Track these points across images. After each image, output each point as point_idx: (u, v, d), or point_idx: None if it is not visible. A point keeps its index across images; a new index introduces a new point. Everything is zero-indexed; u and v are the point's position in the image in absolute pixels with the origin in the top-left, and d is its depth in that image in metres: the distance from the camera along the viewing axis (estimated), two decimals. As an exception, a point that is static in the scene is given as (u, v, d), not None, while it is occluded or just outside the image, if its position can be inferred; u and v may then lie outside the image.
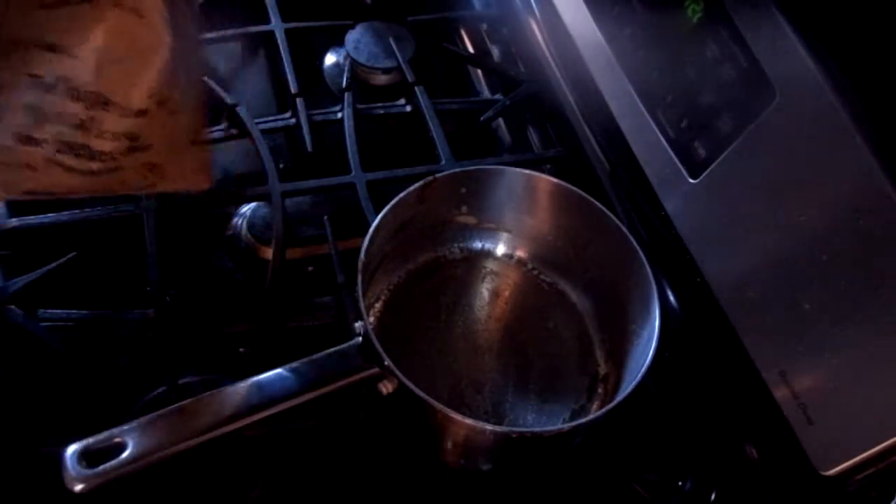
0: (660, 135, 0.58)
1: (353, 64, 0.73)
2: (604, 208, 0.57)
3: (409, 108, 0.72)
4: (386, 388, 0.48)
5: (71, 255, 0.58)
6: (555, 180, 0.58)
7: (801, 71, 0.48)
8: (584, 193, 0.58)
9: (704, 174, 0.55)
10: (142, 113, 0.44)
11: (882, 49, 0.46)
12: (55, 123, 0.42)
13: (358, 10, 0.77)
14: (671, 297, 0.59)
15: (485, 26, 0.83)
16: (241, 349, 0.54)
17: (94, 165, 0.44)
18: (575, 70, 0.68)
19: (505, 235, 0.62)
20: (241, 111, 0.67)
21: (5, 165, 0.44)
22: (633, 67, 0.61)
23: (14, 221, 0.58)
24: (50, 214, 0.59)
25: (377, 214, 0.54)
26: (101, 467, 0.40)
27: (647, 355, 0.49)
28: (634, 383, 0.48)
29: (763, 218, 0.51)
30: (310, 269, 0.63)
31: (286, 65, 0.70)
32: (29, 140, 0.42)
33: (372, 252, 0.53)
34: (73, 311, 0.56)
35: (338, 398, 0.48)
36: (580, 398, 0.56)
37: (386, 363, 0.47)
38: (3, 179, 0.45)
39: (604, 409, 0.49)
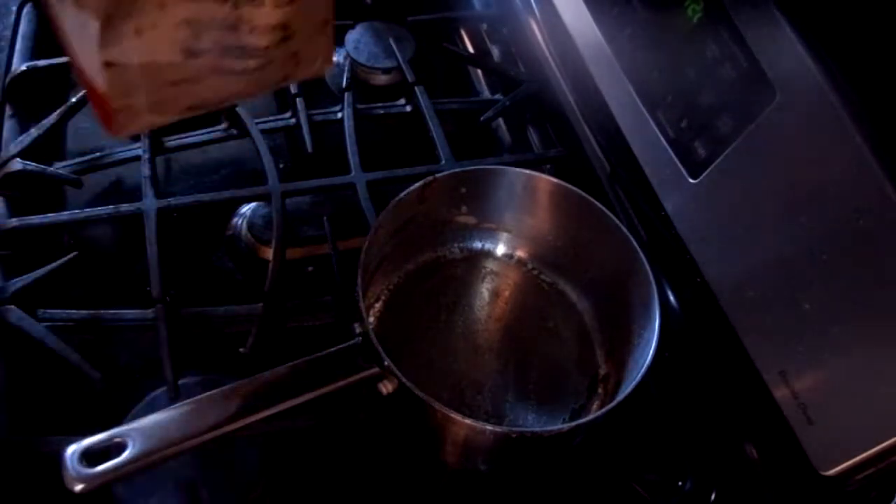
0: (660, 135, 0.58)
1: (353, 64, 0.73)
2: (604, 208, 0.57)
3: (409, 108, 0.72)
4: (386, 388, 0.48)
5: (71, 255, 0.58)
6: (555, 180, 0.58)
7: (801, 71, 0.48)
8: (584, 193, 0.58)
9: (704, 174, 0.55)
10: (291, 1, 0.45)
11: (882, 49, 0.46)
12: (212, 30, 0.44)
13: (358, 10, 0.77)
14: (671, 297, 0.59)
15: (485, 26, 0.83)
16: (241, 349, 0.54)
17: (252, 63, 0.46)
18: (575, 70, 0.68)
19: (505, 235, 0.62)
20: (241, 111, 0.67)
21: (171, 84, 0.45)
22: (633, 67, 0.61)
23: (14, 221, 0.58)
24: (50, 214, 0.59)
25: (377, 214, 0.54)
26: (101, 467, 0.40)
27: (647, 355, 0.49)
28: (634, 383, 0.48)
29: (763, 218, 0.51)
30: (310, 269, 0.63)
31: (286, 65, 0.70)
32: (193, 52, 0.44)
33: (372, 252, 0.53)
34: (73, 311, 0.56)
35: (338, 398, 0.48)
36: (580, 398, 0.56)
37: (386, 363, 0.47)
38: (167, 99, 0.46)
39: (604, 409, 0.49)
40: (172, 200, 0.60)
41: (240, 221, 0.64)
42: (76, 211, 0.60)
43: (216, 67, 0.46)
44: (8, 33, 0.71)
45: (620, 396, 0.48)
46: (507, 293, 0.61)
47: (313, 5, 0.48)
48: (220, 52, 0.45)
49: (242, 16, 0.44)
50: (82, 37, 0.42)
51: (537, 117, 0.75)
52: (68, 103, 0.65)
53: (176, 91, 0.47)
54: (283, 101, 0.73)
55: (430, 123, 0.68)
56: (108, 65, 0.43)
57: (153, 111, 0.47)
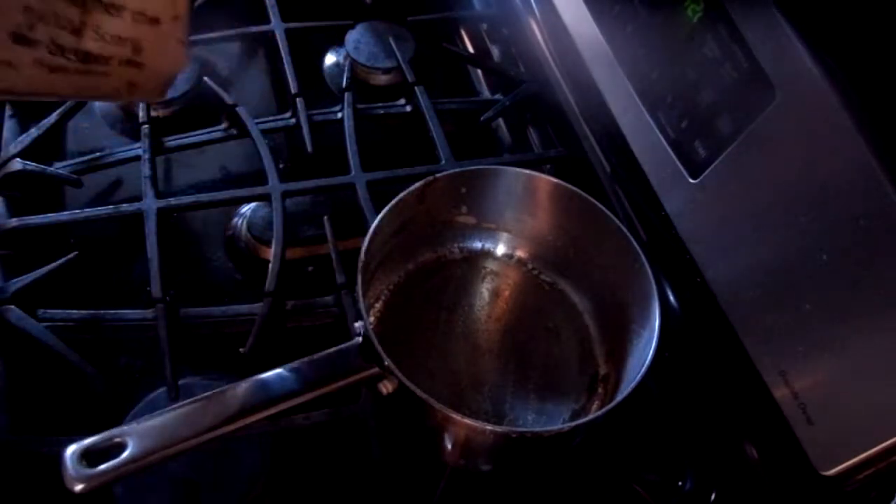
0: (660, 135, 0.58)
1: (353, 64, 0.73)
2: (604, 208, 0.57)
3: (409, 108, 0.72)
4: (386, 388, 0.48)
5: (72, 255, 0.58)
6: (555, 180, 0.58)
7: (801, 71, 0.48)
8: (584, 193, 0.58)
9: (704, 174, 0.55)
10: (154, 22, 0.44)
11: (882, 49, 0.46)
12: (51, 26, 0.42)
13: (358, 10, 0.77)
14: (671, 297, 0.59)
15: (485, 26, 0.83)
16: (240, 349, 0.54)
17: (84, 67, 0.44)
18: (575, 70, 0.68)
19: (505, 235, 0.62)
20: (241, 111, 0.67)
21: None
22: (633, 67, 0.61)
23: (14, 221, 0.58)
24: (50, 214, 0.59)
25: (377, 214, 0.54)
26: (101, 467, 0.40)
27: (647, 355, 0.49)
28: (634, 383, 0.48)
29: (763, 218, 0.51)
30: (310, 269, 0.63)
31: (286, 65, 0.70)
32: (22, 39, 0.42)
33: (372, 252, 0.53)
34: (73, 311, 0.56)
35: (338, 398, 0.48)
36: (580, 398, 0.56)
37: (386, 363, 0.47)
38: None
39: (604, 409, 0.49)
40: (172, 200, 0.60)
41: (240, 221, 0.64)
42: (76, 211, 0.60)
43: (40, 61, 0.43)
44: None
45: (620, 396, 0.48)
46: (507, 293, 0.61)
47: (168, 51, 0.47)
48: (51, 49, 0.43)
49: (90, 22, 0.42)
50: None
51: (537, 117, 0.75)
52: (68, 103, 0.65)
53: None
54: (283, 101, 0.73)
55: (430, 123, 0.68)
56: None
57: None
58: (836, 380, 0.47)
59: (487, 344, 0.58)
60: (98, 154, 0.65)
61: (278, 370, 0.46)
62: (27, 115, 0.66)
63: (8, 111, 0.66)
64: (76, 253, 0.58)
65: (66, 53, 0.43)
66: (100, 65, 0.44)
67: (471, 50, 0.82)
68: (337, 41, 0.75)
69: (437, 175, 0.57)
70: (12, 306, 0.54)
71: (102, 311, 0.56)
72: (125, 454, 0.41)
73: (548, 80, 0.73)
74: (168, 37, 0.46)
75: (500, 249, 0.63)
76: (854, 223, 0.45)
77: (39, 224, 0.59)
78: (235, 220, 0.65)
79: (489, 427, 0.48)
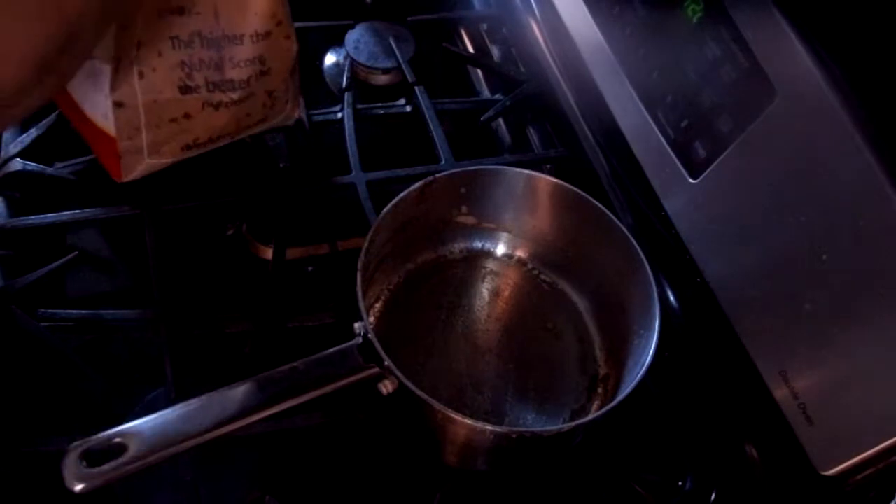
0: (660, 135, 0.58)
1: (353, 64, 0.73)
2: (604, 208, 0.57)
3: (409, 108, 0.72)
4: (386, 388, 0.48)
5: (71, 255, 0.58)
6: (555, 180, 0.58)
7: (801, 71, 0.48)
8: (584, 193, 0.58)
9: (704, 174, 0.55)
10: (266, 35, 0.54)
11: (882, 49, 0.46)
12: (201, 70, 0.53)
13: (358, 10, 0.77)
14: (671, 297, 0.59)
15: (485, 26, 0.83)
16: (243, 349, 0.54)
17: (236, 95, 0.55)
18: (575, 70, 0.68)
19: (505, 235, 0.62)
20: (242, 111, 0.67)
21: (170, 121, 0.54)
22: (633, 67, 0.61)
23: (14, 221, 0.58)
24: (50, 214, 0.59)
25: (377, 214, 0.54)
26: (102, 467, 0.40)
27: (647, 355, 0.49)
28: (634, 383, 0.48)
29: (763, 218, 0.51)
30: (310, 269, 0.63)
31: (286, 65, 0.70)
32: (187, 89, 0.53)
33: (372, 252, 0.53)
34: (73, 311, 0.56)
35: (338, 398, 0.48)
36: (580, 398, 0.56)
37: (386, 363, 0.47)
38: (166, 138, 0.54)
39: (604, 409, 0.49)
40: (172, 201, 0.60)
41: (240, 221, 0.64)
42: (76, 211, 0.59)
43: (207, 101, 0.54)
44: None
45: (620, 396, 0.48)
46: (507, 293, 0.61)
47: (283, 48, 0.57)
48: (209, 87, 0.54)
49: (225, 56, 0.53)
50: (92, 85, 0.51)
51: (537, 117, 0.75)
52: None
53: (174, 128, 0.54)
54: (283, 101, 0.73)
55: (430, 123, 0.68)
56: (117, 104, 0.51)
57: (153, 152, 0.55)
58: (836, 380, 0.47)
59: (487, 344, 0.58)
60: (98, 154, 0.65)
61: (278, 370, 0.46)
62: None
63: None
64: (76, 253, 0.58)
65: (220, 88, 0.54)
66: (244, 87, 0.55)
67: (471, 50, 0.82)
68: (337, 41, 0.75)
69: (437, 175, 0.57)
70: (12, 306, 0.54)
71: (103, 312, 0.56)
72: (125, 454, 0.41)
73: (548, 80, 0.73)
74: (278, 40, 0.56)
75: (500, 249, 0.63)
76: (854, 223, 0.45)
77: (39, 224, 0.59)
78: (235, 220, 0.65)
79: (489, 427, 0.48)
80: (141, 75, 0.51)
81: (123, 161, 0.54)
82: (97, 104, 0.52)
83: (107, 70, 0.50)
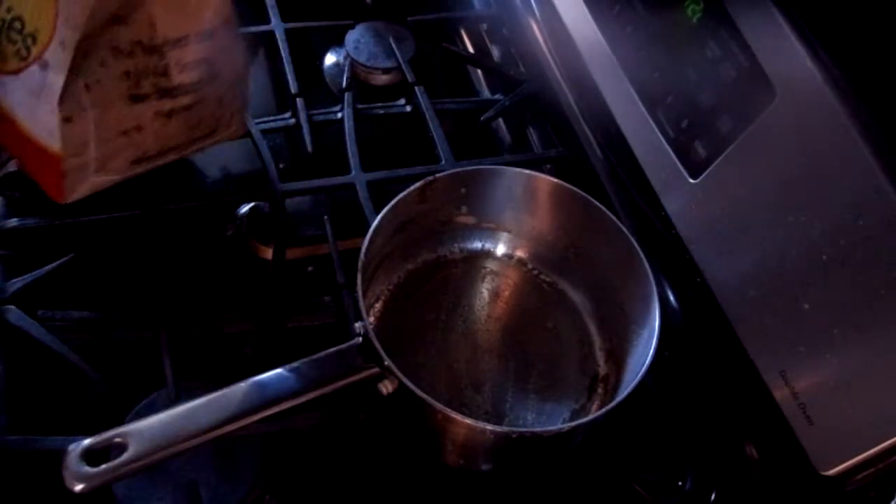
0: (660, 135, 0.58)
1: (353, 64, 0.73)
2: (604, 208, 0.57)
3: (409, 108, 0.72)
4: (386, 388, 0.48)
5: (70, 256, 0.58)
6: (555, 180, 0.58)
7: (801, 71, 0.48)
8: (584, 193, 0.58)
9: (704, 174, 0.55)
10: (212, 34, 0.53)
11: (882, 49, 0.46)
12: (149, 77, 0.52)
13: (358, 10, 0.77)
14: (671, 297, 0.59)
15: (485, 26, 0.83)
16: (244, 349, 0.54)
17: (187, 99, 0.54)
18: (575, 70, 0.68)
19: (505, 235, 0.62)
20: (242, 111, 0.67)
21: (120, 133, 0.52)
22: (633, 67, 0.61)
23: (14, 221, 0.58)
24: (50, 215, 0.59)
25: (377, 214, 0.54)
26: (102, 467, 0.40)
27: (647, 355, 0.49)
28: (634, 383, 0.48)
29: (763, 218, 0.51)
30: (310, 269, 0.63)
31: (286, 65, 0.70)
32: (137, 97, 0.52)
33: (372, 252, 0.53)
34: (73, 311, 0.56)
35: (338, 398, 0.48)
36: (580, 398, 0.56)
37: (386, 363, 0.47)
38: (114, 152, 0.53)
39: (604, 409, 0.49)
40: (173, 202, 0.60)
41: (240, 221, 0.64)
42: (76, 212, 0.59)
43: (158, 110, 0.53)
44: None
45: (620, 396, 0.48)
46: (507, 293, 0.61)
47: (230, 53, 0.56)
48: (159, 94, 0.53)
49: (170, 61, 0.52)
50: (36, 101, 0.50)
51: (537, 117, 0.75)
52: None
53: (124, 142, 0.53)
54: (283, 101, 0.73)
55: (430, 123, 0.68)
56: (66, 120, 0.49)
57: (100, 169, 0.53)
58: (836, 380, 0.47)
59: (487, 344, 0.58)
60: (98, 154, 0.65)
61: (278, 370, 0.46)
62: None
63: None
64: (74, 254, 0.58)
65: (170, 94, 0.53)
66: (195, 91, 0.54)
67: (471, 50, 0.82)
68: (337, 41, 0.75)
69: (437, 175, 0.57)
70: (12, 306, 0.54)
71: (102, 312, 0.56)
72: (125, 454, 0.41)
73: (548, 80, 0.73)
74: (228, 42, 0.55)
75: (500, 249, 0.63)
76: (854, 223, 0.45)
77: (39, 224, 0.58)
78: (235, 220, 0.65)
79: (489, 427, 0.48)
80: (87, 88, 0.49)
81: (67, 180, 0.52)
82: (41, 121, 0.50)
83: (58, 82, 0.48)
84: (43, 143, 0.51)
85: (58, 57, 0.48)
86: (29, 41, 0.48)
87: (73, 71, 0.48)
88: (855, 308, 0.46)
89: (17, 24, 0.48)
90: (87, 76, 0.49)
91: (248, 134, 0.65)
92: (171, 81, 0.53)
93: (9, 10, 0.48)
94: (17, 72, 0.50)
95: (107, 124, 0.52)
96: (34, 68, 0.49)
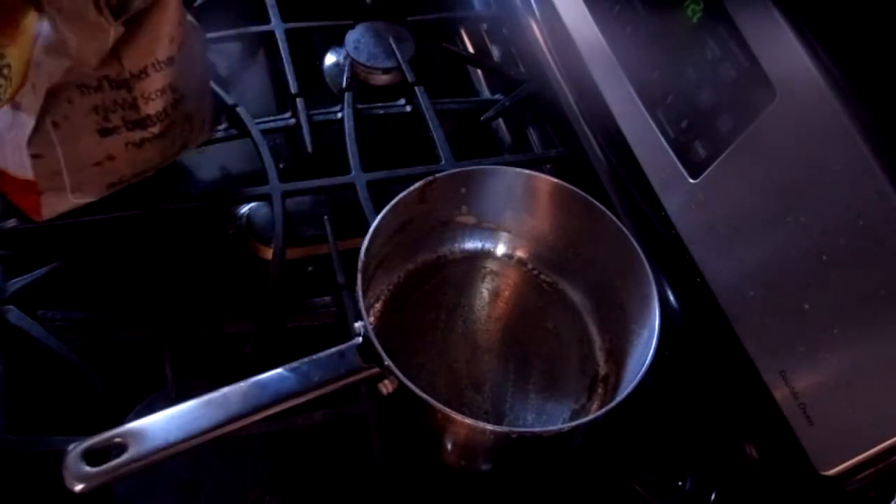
0: (660, 135, 0.58)
1: (353, 64, 0.73)
2: (604, 208, 0.57)
3: (409, 108, 0.72)
4: (386, 388, 0.48)
5: (70, 256, 0.58)
6: (555, 180, 0.58)
7: (801, 71, 0.48)
8: (584, 193, 0.58)
9: (704, 174, 0.55)
10: (170, 61, 0.54)
11: (882, 49, 0.46)
12: (117, 111, 0.53)
13: (358, 10, 0.77)
14: (671, 297, 0.59)
15: (485, 26, 0.83)
16: (244, 349, 0.54)
17: (156, 129, 0.55)
18: (575, 70, 0.68)
19: (505, 235, 0.62)
20: (241, 111, 0.67)
21: (93, 164, 0.53)
22: (633, 67, 0.61)
23: (14, 221, 0.58)
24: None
25: (377, 214, 0.54)
26: (102, 467, 0.40)
27: (647, 355, 0.49)
28: (634, 383, 0.48)
29: (763, 218, 0.51)
30: (310, 269, 0.63)
31: (286, 65, 0.70)
32: (107, 131, 0.53)
33: (372, 252, 0.53)
34: (73, 311, 0.56)
35: (338, 398, 0.48)
36: (580, 398, 0.56)
37: (386, 363, 0.47)
38: (89, 180, 0.54)
39: (604, 409, 0.49)
40: (173, 202, 0.60)
41: (240, 221, 0.64)
42: (76, 212, 0.59)
43: (127, 141, 0.54)
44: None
45: (620, 396, 0.48)
46: (507, 293, 0.61)
47: (193, 70, 0.57)
48: (128, 126, 0.54)
49: (136, 93, 0.53)
50: (7, 137, 0.51)
51: (537, 117, 0.75)
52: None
53: (97, 170, 0.54)
54: (283, 101, 0.73)
55: (430, 123, 0.68)
56: (35, 157, 0.51)
57: (76, 192, 0.54)
58: (836, 380, 0.47)
59: (487, 344, 0.58)
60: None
61: (278, 370, 0.46)
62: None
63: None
64: (72, 255, 0.58)
65: (139, 125, 0.54)
66: (163, 119, 0.55)
67: (471, 50, 0.82)
68: (337, 41, 0.75)
69: (437, 175, 0.57)
70: (12, 306, 0.54)
71: (102, 312, 0.56)
72: (125, 454, 0.41)
73: (548, 80, 0.73)
74: (189, 60, 0.56)
75: (500, 249, 0.63)
76: (854, 223, 0.45)
77: (39, 224, 0.58)
78: (235, 220, 0.65)
79: (489, 427, 0.48)
80: (55, 125, 0.51)
81: (44, 199, 0.54)
82: (11, 157, 0.52)
83: (29, 124, 0.50)
84: (13, 174, 0.53)
85: (29, 99, 0.50)
86: (8, 82, 0.49)
87: (42, 109, 0.50)
88: (855, 308, 0.46)
89: (6, 70, 0.48)
90: (54, 114, 0.51)
91: (248, 133, 0.65)
92: (139, 113, 0.54)
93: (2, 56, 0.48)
94: None
95: (77, 157, 0.53)
96: (6, 108, 0.50)
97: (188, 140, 0.60)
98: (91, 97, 0.52)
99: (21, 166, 0.51)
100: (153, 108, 0.54)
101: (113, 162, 0.54)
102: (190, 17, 0.57)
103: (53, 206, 0.54)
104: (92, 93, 0.52)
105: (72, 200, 0.55)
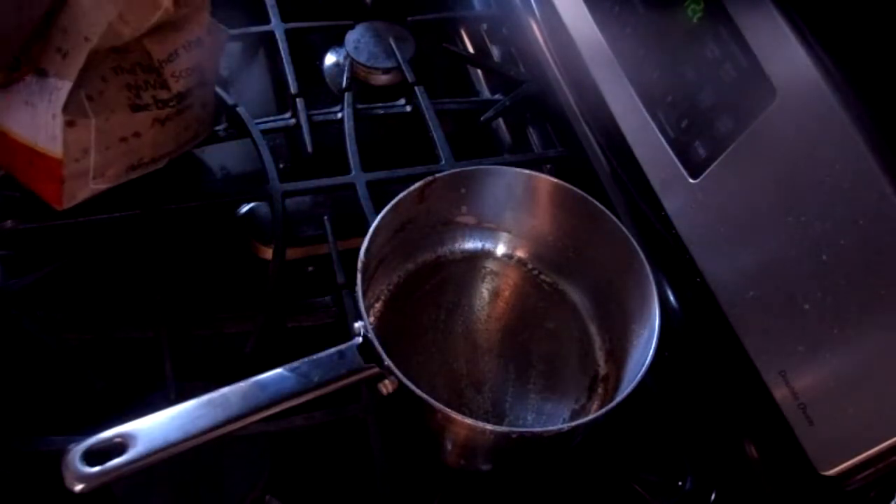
0: (660, 135, 0.58)
1: (353, 64, 0.73)
2: (604, 208, 0.57)
3: (409, 108, 0.72)
4: (386, 388, 0.48)
5: (72, 255, 0.58)
6: (555, 180, 0.58)
7: (801, 71, 0.48)
8: (584, 193, 0.58)
9: (704, 174, 0.55)
10: (199, 43, 0.56)
11: (882, 49, 0.46)
12: (148, 90, 0.55)
13: (358, 10, 0.77)
14: (671, 297, 0.59)
15: (485, 26, 0.83)
16: (243, 349, 0.54)
17: (180, 106, 0.57)
18: (575, 70, 0.68)
19: (505, 235, 0.62)
20: (241, 111, 0.67)
21: (119, 140, 0.55)
22: (633, 67, 0.61)
23: (14, 222, 0.58)
24: (50, 216, 0.59)
25: (377, 214, 0.54)
26: (102, 467, 0.40)
27: (647, 355, 0.49)
28: (634, 383, 0.48)
29: (763, 218, 0.51)
30: (310, 269, 0.63)
31: (286, 65, 0.70)
32: (138, 107, 0.54)
33: (372, 252, 0.53)
34: (73, 311, 0.56)
35: (338, 398, 0.48)
36: (580, 398, 0.56)
37: (386, 363, 0.47)
38: (113, 159, 0.55)
39: (604, 409, 0.49)
40: (172, 201, 0.60)
41: (240, 221, 0.64)
42: (76, 212, 0.59)
43: (156, 117, 0.56)
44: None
45: (620, 396, 0.48)
46: (507, 293, 0.61)
47: (212, 59, 0.59)
48: (158, 105, 0.55)
49: (166, 74, 0.55)
50: (37, 105, 0.51)
51: (537, 117, 0.75)
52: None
53: (122, 148, 0.55)
54: (283, 101, 0.73)
55: (430, 123, 0.68)
56: (69, 124, 0.51)
57: (98, 175, 0.55)
58: (836, 380, 0.47)
59: (487, 344, 0.58)
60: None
61: (278, 370, 0.46)
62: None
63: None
64: (71, 256, 0.58)
65: (168, 104, 0.56)
66: (187, 98, 0.57)
67: (471, 50, 0.82)
68: (337, 41, 0.75)
69: (437, 175, 0.57)
70: (12, 306, 0.54)
71: (102, 312, 0.56)
72: (126, 454, 0.41)
73: (548, 80, 0.73)
74: (212, 47, 0.58)
75: (500, 249, 0.63)
76: (854, 223, 0.45)
77: (39, 225, 0.58)
78: (236, 219, 0.65)
79: (489, 427, 0.48)
80: (90, 98, 0.52)
81: (66, 186, 0.54)
82: (42, 126, 0.52)
83: (65, 87, 0.50)
84: (42, 149, 0.52)
85: (57, 64, 0.50)
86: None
87: (76, 82, 0.50)
88: (855, 308, 0.46)
89: None
90: (88, 89, 0.52)
91: (248, 133, 0.65)
92: (170, 92, 0.55)
93: None
94: (4, 85, 0.52)
95: (108, 131, 0.53)
96: (29, 78, 0.51)
97: (199, 131, 0.61)
98: (124, 77, 0.53)
99: (52, 139, 0.52)
100: (182, 85, 0.56)
101: (138, 140, 0.55)
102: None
103: (74, 192, 0.55)
104: (125, 74, 0.53)
105: (91, 187, 0.55)
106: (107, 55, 0.52)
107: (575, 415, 0.55)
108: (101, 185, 0.56)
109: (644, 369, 0.48)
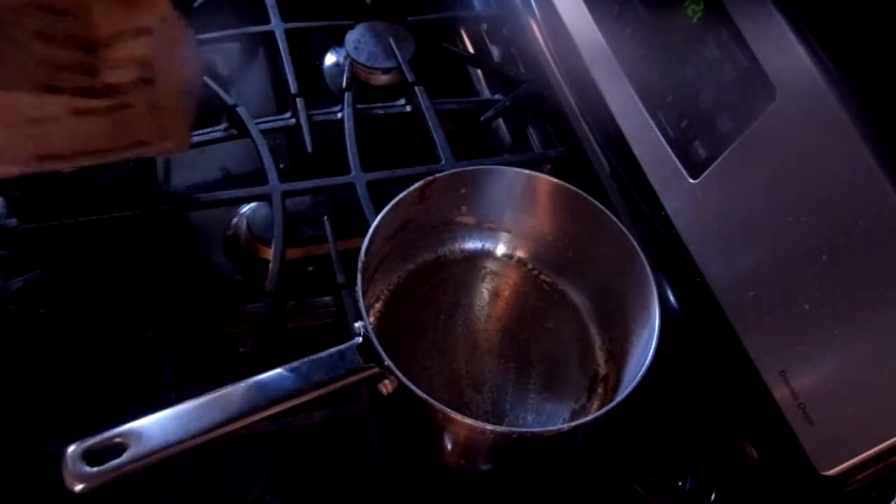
0: (660, 135, 0.58)
1: (353, 64, 0.73)
2: (604, 208, 0.57)
3: (409, 108, 0.72)
4: (386, 388, 0.48)
5: (71, 255, 0.58)
6: (555, 180, 0.58)
7: (801, 71, 0.48)
8: (584, 193, 0.58)
9: (704, 174, 0.55)
10: (147, 31, 0.49)
11: (882, 49, 0.46)
12: (71, 73, 0.48)
13: (358, 10, 0.77)
14: (671, 297, 0.59)
15: (485, 26, 0.83)
16: (241, 349, 0.54)
17: (111, 102, 0.50)
18: (575, 70, 0.68)
19: (505, 235, 0.62)
20: (241, 111, 0.67)
21: (27, 122, 0.48)
22: (633, 67, 0.61)
23: (14, 221, 0.58)
24: (50, 215, 0.59)
25: (377, 214, 0.54)
26: (102, 467, 0.40)
27: (647, 355, 0.49)
28: (634, 383, 0.48)
29: (763, 218, 0.51)
30: (310, 269, 0.63)
31: (286, 65, 0.70)
32: (51, 89, 0.47)
33: (372, 252, 0.53)
34: (73, 311, 0.56)
35: (338, 398, 0.48)
36: (580, 398, 0.56)
37: (386, 363, 0.47)
38: (18, 142, 0.49)
39: (604, 409, 0.49)
40: (172, 201, 0.60)
41: (240, 221, 0.64)
42: (77, 212, 0.59)
43: (75, 107, 0.49)
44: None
45: (620, 396, 0.48)
46: (507, 293, 0.61)
47: (173, 64, 0.52)
48: (79, 91, 0.48)
49: (102, 59, 0.48)
50: None
51: (537, 117, 0.75)
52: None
53: (30, 132, 0.49)
54: (283, 101, 0.73)
55: (430, 123, 0.68)
56: None
57: (1, 157, 0.49)
58: (836, 380, 0.47)
59: (487, 344, 0.58)
60: (98, 154, 0.65)
61: (278, 370, 0.46)
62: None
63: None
64: (76, 254, 0.58)
65: (90, 92, 0.48)
66: (119, 94, 0.49)
67: (471, 50, 0.82)
68: (337, 41, 0.75)
69: (437, 175, 0.57)
70: (12, 306, 0.54)
71: (102, 312, 0.56)
72: (125, 454, 0.41)
73: (548, 80, 0.73)
74: (167, 44, 0.50)
75: (500, 249, 0.63)
76: (854, 223, 0.45)
77: (39, 225, 0.58)
78: (235, 220, 0.65)
79: (489, 427, 0.48)
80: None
81: None
82: None
83: None
84: None
85: None
86: None
87: None
88: (855, 308, 0.46)
89: None
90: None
91: (248, 133, 0.65)
92: (94, 80, 0.49)
93: None
94: None
95: (14, 107, 0.47)
96: None
97: (152, 138, 0.54)
98: (46, 49, 0.47)
99: None
100: (115, 77, 0.49)
101: (52, 126, 0.49)
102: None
103: None
104: (49, 45, 0.47)
105: None
106: (32, 13, 0.46)
107: (575, 415, 0.55)
108: (3, 169, 0.50)
109: (644, 369, 0.48)
